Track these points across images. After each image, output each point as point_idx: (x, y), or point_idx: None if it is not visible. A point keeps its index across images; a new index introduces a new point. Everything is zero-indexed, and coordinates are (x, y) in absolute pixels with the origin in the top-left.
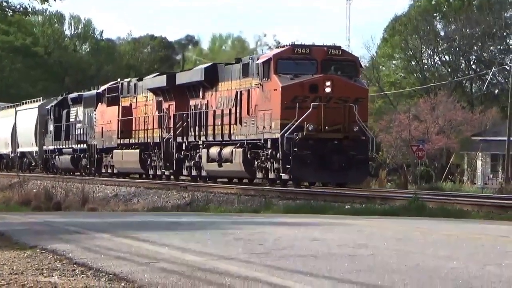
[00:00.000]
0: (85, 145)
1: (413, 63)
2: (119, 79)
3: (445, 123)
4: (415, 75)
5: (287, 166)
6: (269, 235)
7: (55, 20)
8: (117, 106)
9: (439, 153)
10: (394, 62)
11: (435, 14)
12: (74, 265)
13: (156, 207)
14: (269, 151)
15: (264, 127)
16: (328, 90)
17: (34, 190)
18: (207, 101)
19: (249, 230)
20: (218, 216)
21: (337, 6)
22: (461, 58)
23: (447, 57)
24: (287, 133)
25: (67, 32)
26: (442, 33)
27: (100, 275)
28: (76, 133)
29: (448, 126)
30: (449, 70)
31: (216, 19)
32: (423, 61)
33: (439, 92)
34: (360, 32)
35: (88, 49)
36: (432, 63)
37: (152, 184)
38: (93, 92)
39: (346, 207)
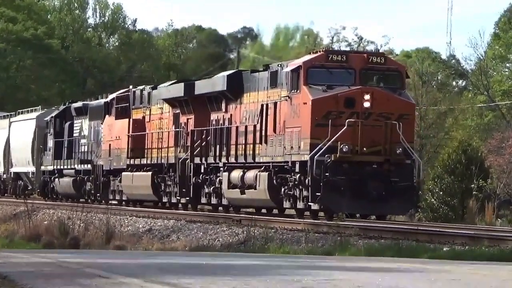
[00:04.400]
0: (89, 166)
1: None
2: (131, 86)
3: None
4: None
5: (317, 194)
6: (345, 284)
7: (75, 5)
8: (127, 119)
9: None
10: (508, 64)
11: None
12: None
13: (201, 245)
14: (297, 176)
15: (292, 147)
16: (367, 104)
17: (45, 222)
18: (230, 115)
19: (320, 276)
20: (281, 259)
21: None
22: None
23: None
24: (317, 154)
25: (91, 21)
26: None
27: None
28: (80, 150)
29: None
30: None
31: (281, 7)
32: None
33: None
34: (464, 26)
35: (117, 43)
36: None
37: (196, 216)
38: (101, 101)
39: (444, 249)
